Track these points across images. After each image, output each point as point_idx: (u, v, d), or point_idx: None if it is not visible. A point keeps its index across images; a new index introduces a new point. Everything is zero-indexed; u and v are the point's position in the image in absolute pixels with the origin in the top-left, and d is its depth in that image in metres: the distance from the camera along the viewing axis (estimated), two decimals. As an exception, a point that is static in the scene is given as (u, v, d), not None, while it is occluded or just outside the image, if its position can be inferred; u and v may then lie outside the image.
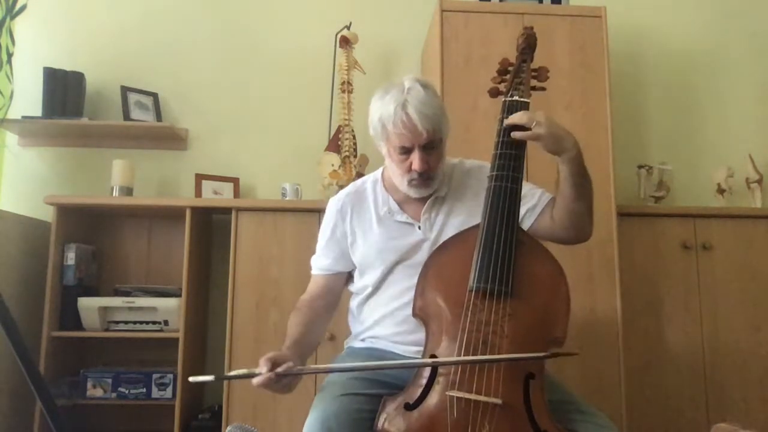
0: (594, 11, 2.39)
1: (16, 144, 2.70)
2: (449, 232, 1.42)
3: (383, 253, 1.43)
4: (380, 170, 1.57)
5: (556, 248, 1.39)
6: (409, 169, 1.39)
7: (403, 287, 1.39)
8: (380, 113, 1.38)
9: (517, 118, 1.33)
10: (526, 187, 1.45)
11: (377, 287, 1.45)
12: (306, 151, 2.72)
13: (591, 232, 1.47)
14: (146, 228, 2.67)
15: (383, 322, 1.42)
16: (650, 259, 2.44)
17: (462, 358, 1.18)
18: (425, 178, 1.40)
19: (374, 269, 1.45)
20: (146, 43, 2.82)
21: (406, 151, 1.38)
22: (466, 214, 1.44)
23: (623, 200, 2.51)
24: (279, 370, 1.17)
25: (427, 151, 1.38)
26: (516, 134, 1.33)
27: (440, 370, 1.18)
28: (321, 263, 1.53)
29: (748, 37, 3.02)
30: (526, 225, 1.45)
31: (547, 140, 1.30)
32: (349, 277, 1.55)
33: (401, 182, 1.43)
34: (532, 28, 1.50)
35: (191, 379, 1.23)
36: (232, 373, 1.29)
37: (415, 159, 1.37)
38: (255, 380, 1.18)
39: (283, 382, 1.19)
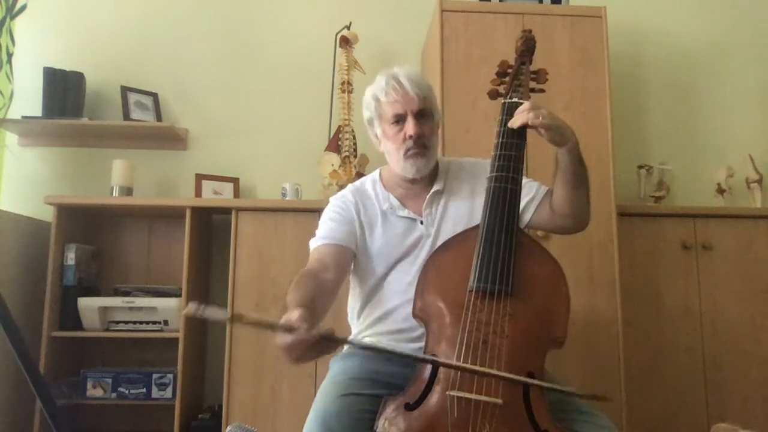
0: (594, 11, 2.39)
1: (16, 144, 2.70)
2: (447, 227, 1.44)
3: (386, 249, 1.44)
4: (377, 171, 1.58)
5: (556, 248, 1.40)
6: (404, 139, 1.42)
7: (405, 284, 1.40)
8: (372, 90, 1.46)
9: (522, 116, 1.31)
10: (523, 181, 1.46)
11: (378, 286, 1.45)
12: (306, 151, 2.72)
13: (589, 219, 1.48)
14: (146, 228, 2.67)
15: (386, 319, 1.42)
16: (650, 259, 2.44)
17: (494, 371, 1.11)
18: (420, 146, 1.42)
19: (376, 267, 1.45)
20: (146, 43, 2.82)
21: (400, 120, 1.42)
22: (462, 208, 1.46)
23: (623, 200, 2.51)
24: (322, 332, 1.01)
25: (420, 120, 1.42)
26: (532, 122, 1.29)
27: (441, 370, 1.18)
28: (326, 233, 1.43)
29: (749, 37, 3.02)
30: (526, 217, 1.47)
31: (553, 131, 1.30)
32: (351, 261, 1.47)
33: (398, 159, 1.45)
34: (530, 31, 1.51)
35: (190, 309, 0.93)
36: (256, 318, 1.03)
37: (409, 125, 1.41)
38: (289, 337, 1.00)
39: (318, 347, 1.03)
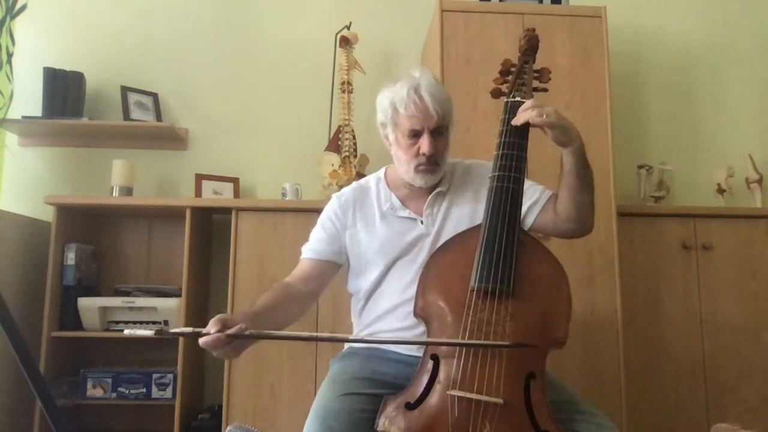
0: (594, 11, 2.39)
1: (16, 144, 2.70)
2: (449, 227, 1.44)
3: (384, 248, 1.44)
4: (383, 170, 1.59)
5: (556, 248, 1.40)
6: (417, 154, 1.41)
7: (405, 282, 1.40)
8: (392, 97, 1.42)
9: (525, 114, 1.31)
10: (527, 184, 1.46)
11: (378, 284, 1.45)
12: (306, 151, 2.71)
13: (593, 224, 1.47)
14: (146, 228, 2.67)
15: (386, 318, 1.42)
16: (650, 259, 2.44)
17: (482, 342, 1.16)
18: (432, 163, 1.42)
19: (375, 266, 1.45)
20: (146, 43, 2.82)
21: (415, 135, 1.41)
22: (465, 209, 1.46)
23: (623, 200, 2.51)
24: (230, 331, 1.11)
25: (435, 137, 1.41)
26: (534, 120, 1.28)
27: (441, 369, 1.18)
28: (313, 246, 1.50)
29: (748, 37, 3.02)
30: (529, 221, 1.47)
31: (558, 130, 1.29)
32: (335, 271, 1.52)
33: (408, 170, 1.45)
34: (534, 29, 1.50)
35: (127, 332, 1.14)
36: (177, 330, 1.24)
37: (424, 142, 1.40)
38: (202, 340, 1.11)
39: (232, 344, 1.13)
